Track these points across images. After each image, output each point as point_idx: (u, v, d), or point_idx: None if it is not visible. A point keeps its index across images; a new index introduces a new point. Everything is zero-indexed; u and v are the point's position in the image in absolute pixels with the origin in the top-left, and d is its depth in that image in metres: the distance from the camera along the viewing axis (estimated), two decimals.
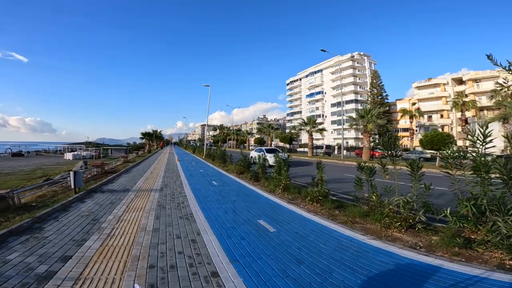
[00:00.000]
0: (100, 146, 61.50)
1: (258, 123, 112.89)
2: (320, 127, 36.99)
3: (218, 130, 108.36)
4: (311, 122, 35.47)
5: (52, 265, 3.30)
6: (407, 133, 54.68)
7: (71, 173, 8.35)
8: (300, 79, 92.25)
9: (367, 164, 6.75)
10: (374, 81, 60.10)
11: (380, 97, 56.42)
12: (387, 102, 58.73)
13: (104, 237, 4.44)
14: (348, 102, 70.40)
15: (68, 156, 49.21)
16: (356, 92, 71.37)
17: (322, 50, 31.09)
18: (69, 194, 7.98)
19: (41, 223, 5.13)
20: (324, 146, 41.07)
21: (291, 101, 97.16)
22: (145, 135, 40.05)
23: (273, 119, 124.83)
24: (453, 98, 44.35)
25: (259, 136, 64.17)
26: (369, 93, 59.66)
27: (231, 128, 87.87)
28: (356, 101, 69.88)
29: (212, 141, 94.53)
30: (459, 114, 44.09)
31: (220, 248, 4.15)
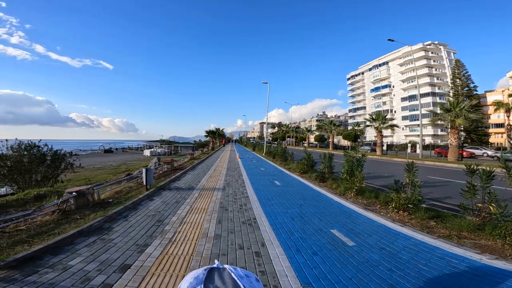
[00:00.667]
0: (172, 144, 68.04)
1: (317, 120, 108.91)
2: (391, 123, 32.95)
3: (276, 128, 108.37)
4: (380, 118, 31.88)
5: (110, 275, 3.08)
6: (501, 129, 44.97)
7: (143, 171, 8.77)
8: (363, 73, 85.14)
9: (481, 167, 5.14)
10: (457, 71, 51.75)
11: (466, 88, 47.72)
12: (476, 94, 49.26)
13: (165, 242, 4.19)
14: (423, 95, 62.50)
15: (147, 152, 55.74)
16: (432, 85, 62.68)
17: (389, 39, 27.49)
18: (141, 190, 8.37)
19: (111, 222, 5.24)
20: (372, 143, 36.56)
21: (353, 96, 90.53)
22: (209, 133, 42.31)
23: (333, 116, 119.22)
24: None
25: (319, 133, 61.46)
26: (451, 85, 51.09)
27: (289, 125, 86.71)
28: (434, 94, 61.72)
29: (271, 138, 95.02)
30: None
31: (289, 266, 3.44)
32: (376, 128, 32.05)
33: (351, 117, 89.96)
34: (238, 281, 0.61)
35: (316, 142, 62.68)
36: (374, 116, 32.67)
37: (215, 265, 0.68)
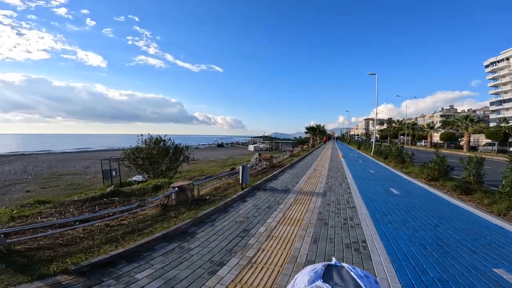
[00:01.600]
0: (273, 140, 70.53)
1: (442, 115, 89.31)
2: None
3: (385, 124, 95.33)
4: None
5: None
6: None
7: (240, 169, 8.47)
8: (508, 59, 63.33)
9: None
10: None
11: None
12: None
13: (243, 263, 3.35)
14: None
15: (251, 148, 59.81)
16: None
17: None
18: (237, 189, 8.08)
19: (198, 226, 4.87)
20: None
21: (495, 86, 68.71)
22: (309, 129, 40.77)
23: (464, 110, 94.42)
24: None
25: (446, 131, 49.37)
26: None
27: (403, 121, 74.03)
28: None
29: (378, 136, 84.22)
30: None
31: None
32: None
33: (493, 111, 69.16)
34: (358, 280, 0.58)
35: (441, 142, 50.70)
36: None
37: (332, 262, 0.65)
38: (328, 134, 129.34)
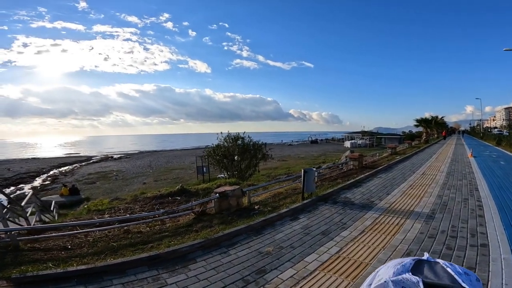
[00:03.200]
0: (374, 135, 62.18)
1: None
2: None
3: None
4: None
5: None
6: None
7: (302, 173, 6.59)
8: None
9: None
10: None
11: None
12: None
13: None
14: None
15: (347, 144, 54.74)
16: None
17: None
18: (297, 199, 6.28)
19: (205, 250, 3.50)
20: None
21: None
22: (421, 122, 32.59)
23: None
24: None
25: None
26: None
27: None
28: None
29: None
30: None
31: None
32: None
33: None
34: (456, 276, 0.51)
35: None
36: None
37: (424, 258, 0.59)
38: (451, 127, 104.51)
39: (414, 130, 54.13)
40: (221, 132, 16.38)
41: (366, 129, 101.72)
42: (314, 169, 6.86)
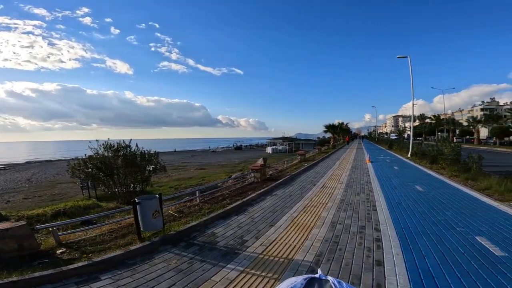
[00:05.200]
0: (293, 141, 65.42)
1: (483, 109, 78.87)
2: None
3: (417, 121, 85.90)
4: None
5: None
6: None
7: (134, 205, 3.95)
8: None
9: None
10: None
11: None
12: None
13: None
14: None
15: (269, 150, 55.52)
16: None
17: None
18: (132, 240, 3.64)
19: None
20: None
21: None
22: (329, 127, 34.82)
23: (507, 103, 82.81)
24: None
25: (500, 125, 40.84)
26: None
27: (441, 116, 65.04)
28: None
29: (409, 133, 75.43)
30: None
31: None
32: None
33: None
34: None
35: (482, 138, 42.14)
36: None
37: (316, 275, 0.58)
38: (354, 133, 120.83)
39: (327, 135, 59.15)
40: (97, 140, 12.52)
41: (286, 135, 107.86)
42: (157, 196, 4.31)
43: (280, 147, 56.19)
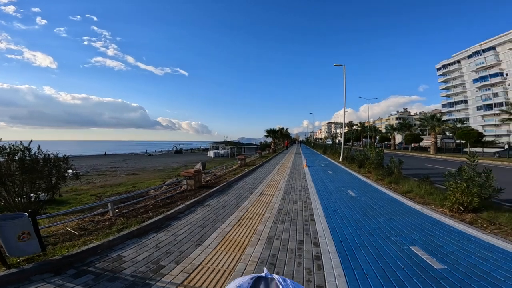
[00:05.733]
0: (235, 145, 65.08)
1: (398, 118, 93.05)
2: None
3: (347, 128, 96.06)
4: None
5: None
6: None
7: None
8: (459, 61, 66.87)
9: None
10: None
11: None
12: None
13: None
14: None
15: (210, 154, 53.99)
16: None
17: None
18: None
19: None
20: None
21: (447, 88, 71.92)
22: (270, 132, 35.56)
23: (417, 113, 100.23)
24: None
25: (411, 132, 48.07)
26: None
27: (365, 124, 73.75)
28: None
29: (340, 139, 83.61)
30: None
31: None
32: None
33: (445, 113, 72.18)
34: None
35: (406, 144, 49.55)
36: None
37: (263, 274, 0.61)
38: (293, 138, 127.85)
39: (269, 140, 60.62)
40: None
41: (229, 139, 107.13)
42: (26, 214, 3.06)
43: (222, 151, 55.45)
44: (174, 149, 74.54)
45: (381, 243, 4.10)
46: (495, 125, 54.45)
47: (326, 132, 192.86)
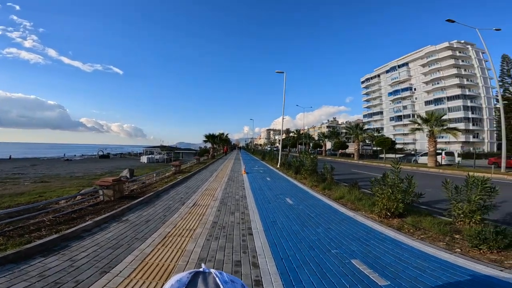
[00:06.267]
0: (173, 150, 61.26)
1: (328, 126, 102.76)
2: (451, 125, 24.90)
3: (284, 134, 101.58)
4: (433, 119, 23.74)
5: None
6: None
7: None
8: (379, 76, 78.05)
9: None
10: (506, 67, 44.60)
11: None
12: None
13: None
14: (451, 98, 56.44)
15: (143, 159, 49.29)
16: (462, 86, 56.13)
17: (448, 20, 19.83)
18: None
19: None
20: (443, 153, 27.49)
21: (368, 100, 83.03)
22: (209, 138, 34.24)
23: (344, 122, 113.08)
24: None
25: (339, 140, 53.29)
26: (501, 83, 43.26)
27: (301, 131, 79.04)
28: (464, 96, 55.05)
29: (278, 145, 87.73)
30: None
31: None
32: (430, 131, 23.87)
33: (366, 122, 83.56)
34: (221, 285, 0.58)
35: (335, 150, 54.78)
36: (426, 116, 24.51)
37: (201, 269, 0.64)
38: (233, 144, 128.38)
39: (209, 145, 58.98)
40: None
41: (165, 144, 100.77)
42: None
43: (158, 157, 51.40)
44: (100, 153, 66.13)
45: (323, 258, 3.79)
46: (404, 134, 64.61)
47: (265, 138, 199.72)
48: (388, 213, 5.86)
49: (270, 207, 7.00)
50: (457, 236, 4.69)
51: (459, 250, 4.09)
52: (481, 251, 3.92)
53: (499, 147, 45.93)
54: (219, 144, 41.82)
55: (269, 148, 76.69)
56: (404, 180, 6.23)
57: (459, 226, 5.15)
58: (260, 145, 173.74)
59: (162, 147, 73.32)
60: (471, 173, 5.36)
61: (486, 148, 52.68)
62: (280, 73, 22.01)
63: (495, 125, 50.81)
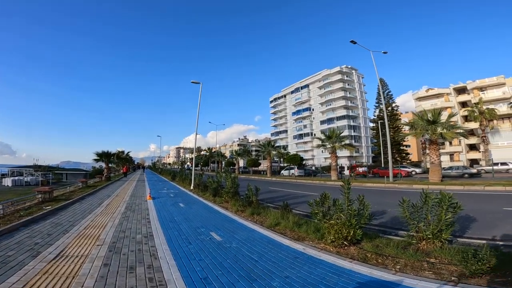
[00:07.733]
0: (51, 170, 48.22)
1: (239, 145, 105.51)
2: (347, 141, 28.28)
3: (195, 152, 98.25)
4: (335, 136, 26.48)
5: None
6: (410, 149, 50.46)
7: None
8: (285, 96, 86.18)
9: None
10: (382, 90, 56.00)
11: (390, 108, 50.08)
12: (397, 113, 52.87)
13: None
14: (339, 118, 65.54)
15: (7, 181, 36.34)
16: (347, 108, 66.42)
17: (352, 41, 23.19)
18: None
19: None
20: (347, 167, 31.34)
21: (275, 119, 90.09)
22: (102, 156, 27.12)
23: (253, 141, 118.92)
24: (469, 108, 41.36)
25: (251, 157, 54.31)
26: (377, 105, 53.73)
27: (213, 149, 77.56)
28: (348, 117, 64.96)
29: (190, 164, 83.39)
30: (476, 125, 40.79)
31: None
32: (331, 147, 26.36)
33: (273, 141, 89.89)
34: None
35: (245, 167, 55.38)
36: (328, 133, 27.07)
37: None
38: (138, 163, 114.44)
39: (100, 165, 49.12)
40: None
41: (42, 163, 79.54)
42: None
43: (28, 179, 39.13)
44: None
45: None
46: (305, 151, 71.64)
47: (175, 157, 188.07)
48: (345, 242, 4.68)
49: (192, 251, 4.76)
50: (432, 260, 3.86)
51: (456, 278, 3.15)
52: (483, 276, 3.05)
53: (374, 160, 56.95)
54: (117, 164, 35.19)
55: (179, 167, 71.46)
56: (355, 201, 5.27)
57: (423, 247, 4.40)
58: (170, 164, 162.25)
59: (37, 167, 57.24)
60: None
61: (364, 161, 64.00)
62: (196, 83, 20.04)
63: (372, 142, 62.57)
